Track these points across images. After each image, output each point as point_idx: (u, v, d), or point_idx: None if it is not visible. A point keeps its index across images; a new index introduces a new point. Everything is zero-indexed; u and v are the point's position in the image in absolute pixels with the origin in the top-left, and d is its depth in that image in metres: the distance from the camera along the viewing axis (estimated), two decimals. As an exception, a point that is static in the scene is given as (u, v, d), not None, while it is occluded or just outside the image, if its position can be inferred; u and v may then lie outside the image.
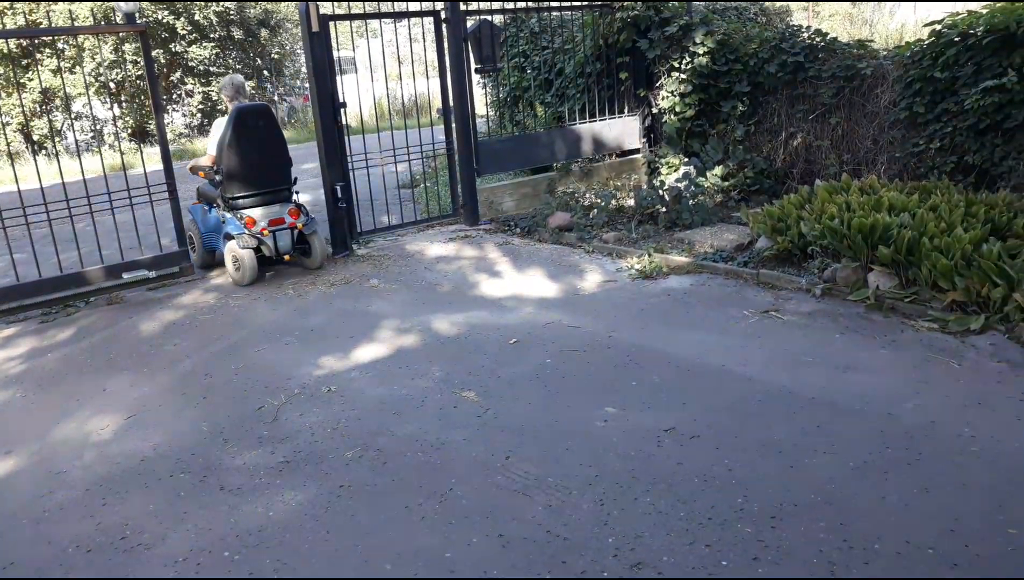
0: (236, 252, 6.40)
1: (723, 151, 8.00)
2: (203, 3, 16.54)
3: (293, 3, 18.81)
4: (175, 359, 5.02)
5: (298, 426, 3.97)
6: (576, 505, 3.11)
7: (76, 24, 13.66)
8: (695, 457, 3.41)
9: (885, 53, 7.19)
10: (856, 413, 3.71)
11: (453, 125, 7.79)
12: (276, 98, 19.84)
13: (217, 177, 6.51)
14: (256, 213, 6.47)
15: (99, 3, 15.22)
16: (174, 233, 6.71)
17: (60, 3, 15.27)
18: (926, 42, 6.58)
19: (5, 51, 13.93)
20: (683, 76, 8.15)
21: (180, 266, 6.64)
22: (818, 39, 7.51)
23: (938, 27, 6.46)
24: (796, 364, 4.31)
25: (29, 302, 6.04)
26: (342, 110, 7.07)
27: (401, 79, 8.10)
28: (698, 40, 8.00)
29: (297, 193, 6.90)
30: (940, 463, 3.25)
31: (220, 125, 6.65)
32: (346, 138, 7.14)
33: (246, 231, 6.40)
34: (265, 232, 6.45)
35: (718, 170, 7.84)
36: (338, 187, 7.04)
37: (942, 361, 4.21)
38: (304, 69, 19.75)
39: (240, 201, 6.49)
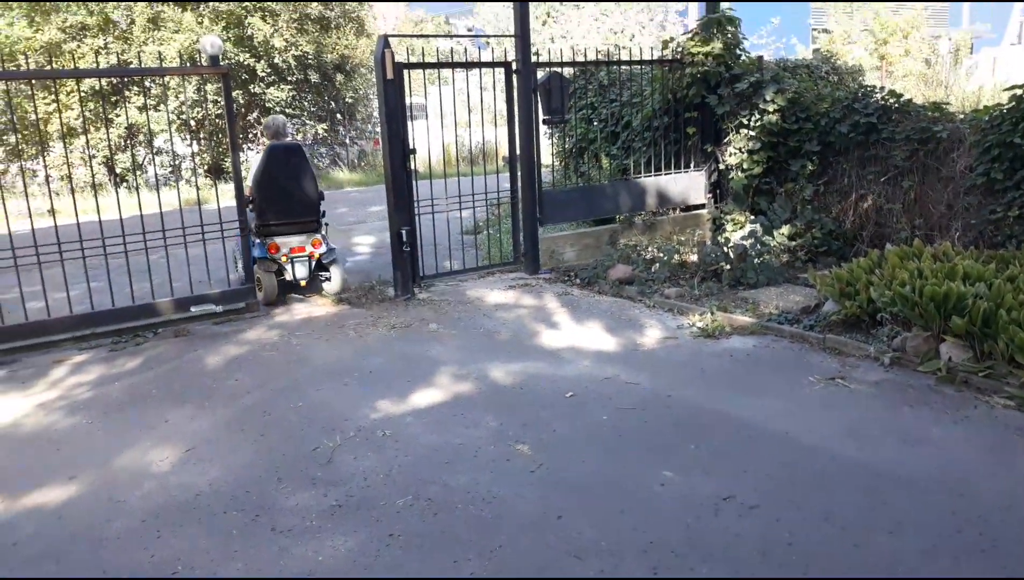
0: (259, 274, 7.03)
1: (791, 210, 7.89)
2: (283, 48, 17.12)
3: (369, 49, 19.41)
4: (236, 394, 5.10)
5: (352, 469, 3.97)
6: (629, 572, 3.03)
7: (164, 64, 14.29)
8: (754, 528, 3.30)
9: (962, 116, 7.04)
10: (926, 490, 3.56)
11: (519, 174, 7.86)
12: (348, 141, 20.35)
13: (249, 207, 7.02)
14: (280, 241, 7.11)
15: (186, 44, 15.91)
16: (243, 269, 6.87)
17: (150, 44, 16.03)
18: (1006, 107, 6.42)
19: (97, 88, 14.64)
20: (752, 133, 8.10)
21: (246, 302, 6.79)
22: (892, 100, 7.40)
23: (1019, 91, 6.30)
24: (862, 435, 4.16)
25: (102, 330, 6.22)
26: (411, 156, 7.20)
27: (470, 126, 8.23)
28: (768, 98, 7.95)
29: (326, 225, 7.56)
30: (1020, 550, 3.08)
31: (257, 161, 7.26)
32: (414, 183, 7.26)
33: (268, 256, 7.05)
34: (285, 259, 7.11)
35: (785, 229, 7.72)
36: (404, 231, 7.14)
37: (1020, 440, 4.02)
38: (375, 113, 20.28)
39: (269, 229, 7.08)
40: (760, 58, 8.63)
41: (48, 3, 16.35)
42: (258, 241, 7.08)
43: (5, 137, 15.96)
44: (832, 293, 5.87)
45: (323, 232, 7.42)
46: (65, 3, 16.44)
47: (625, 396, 4.77)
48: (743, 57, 8.54)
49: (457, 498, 3.63)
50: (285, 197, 7.08)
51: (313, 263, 7.27)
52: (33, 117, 15.21)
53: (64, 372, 5.62)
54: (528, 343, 5.89)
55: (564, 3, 23.40)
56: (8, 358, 5.87)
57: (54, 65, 14.21)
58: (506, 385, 5.05)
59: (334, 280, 7.34)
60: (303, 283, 7.23)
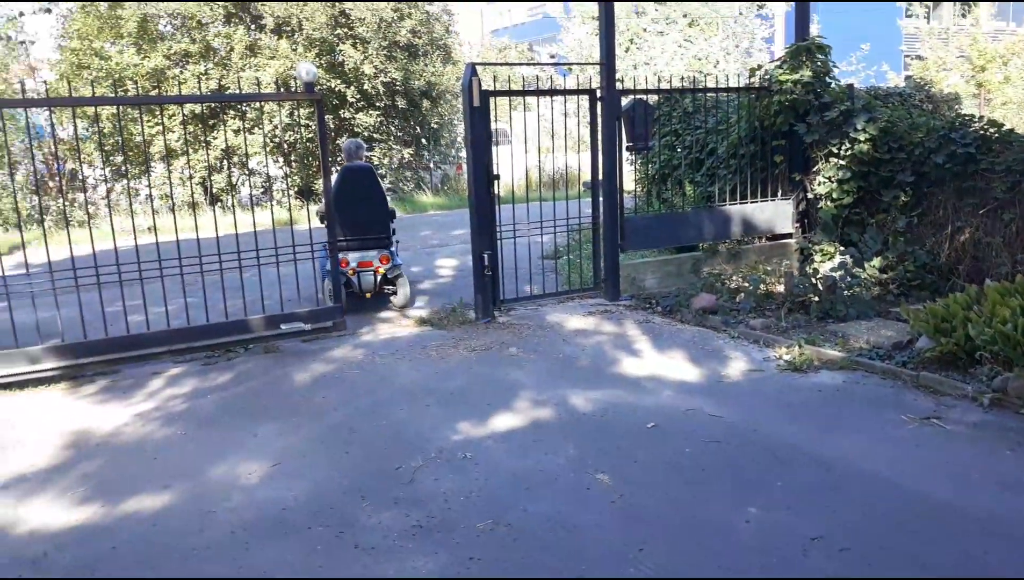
0: (328, 286, 7.36)
1: (882, 242, 7.66)
2: (372, 75, 17.60)
3: (455, 76, 19.78)
4: (322, 411, 5.23)
5: (433, 490, 4.02)
6: (712, 608, 2.97)
7: (261, 90, 14.89)
8: (845, 571, 3.20)
9: (1070, 148, 6.72)
10: (1030, 541, 3.38)
11: (600, 200, 7.87)
12: (432, 165, 20.71)
13: (324, 224, 7.30)
14: (350, 256, 7.56)
15: (280, 70, 16.53)
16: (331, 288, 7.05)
17: (247, 70, 16.72)
18: (1119, 139, 6.11)
19: (197, 112, 15.34)
20: (842, 162, 7.91)
21: (333, 321, 6.96)
22: (992, 130, 7.12)
23: None
24: (959, 478, 3.99)
25: (196, 344, 6.47)
26: (495, 182, 7.30)
27: (554, 152, 8.29)
28: (859, 126, 7.76)
29: (397, 242, 8.08)
30: None
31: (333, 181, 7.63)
32: (497, 209, 7.34)
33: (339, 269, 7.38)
34: (352, 272, 7.57)
35: (876, 261, 7.50)
36: (486, 255, 7.22)
37: None
38: (459, 139, 20.63)
39: (343, 244, 7.40)
40: (851, 86, 8.45)
41: (154, 33, 17.25)
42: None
43: (112, 157, 16.82)
44: (926, 329, 5.66)
45: (393, 249, 7.88)
46: (170, 32, 17.33)
47: (708, 429, 4.69)
48: (833, 85, 8.37)
49: (537, 525, 3.63)
50: (356, 215, 7.57)
51: (378, 277, 7.72)
52: (138, 139, 16.04)
53: (161, 384, 5.87)
54: (608, 371, 5.87)
55: (647, 31, 23.39)
56: (110, 369, 6.16)
57: (161, 91, 14.96)
58: (586, 412, 5.03)
59: (400, 294, 7.89)
60: (367, 295, 7.75)
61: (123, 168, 14.11)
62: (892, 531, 3.50)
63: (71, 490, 4.18)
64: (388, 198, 8.08)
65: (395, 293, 7.93)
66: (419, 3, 18.63)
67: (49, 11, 14.45)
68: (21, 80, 15.34)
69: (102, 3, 17.14)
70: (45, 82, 8.41)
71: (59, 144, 13.25)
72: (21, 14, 13.67)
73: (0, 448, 4.77)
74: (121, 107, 7.30)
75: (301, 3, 17.11)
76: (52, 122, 6.22)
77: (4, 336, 6.03)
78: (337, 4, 17.48)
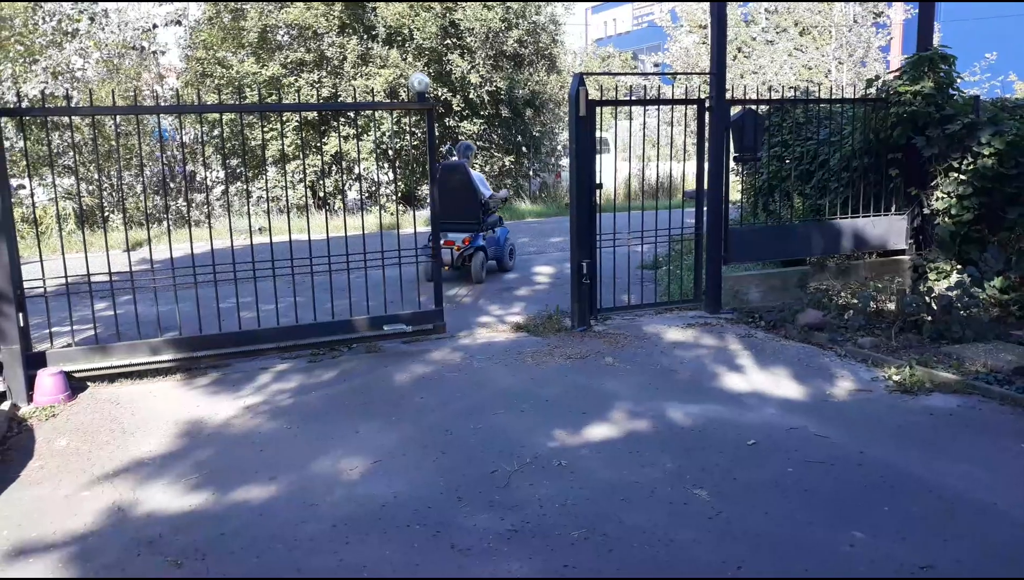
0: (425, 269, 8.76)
1: (1004, 261, 7.25)
2: (478, 84, 17.86)
3: (559, 85, 19.84)
4: (421, 411, 5.34)
5: (528, 496, 4.04)
6: (812, 634, 2.88)
7: (374, 99, 15.35)
8: (956, 605, 3.04)
9: None
10: None
11: (704, 210, 7.74)
12: (531, 173, 20.83)
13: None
14: (443, 235, 8.83)
15: (390, 78, 16.98)
16: (431, 292, 7.19)
17: (358, 79, 17.25)
18: None
19: (310, 119, 15.92)
20: (963, 177, 7.53)
21: (434, 324, 7.09)
22: None
23: None
24: (1088, 516, 3.73)
25: (303, 342, 6.71)
26: (597, 191, 7.29)
27: (658, 160, 8.20)
28: (984, 140, 7.38)
29: (493, 230, 9.91)
30: None
31: None
32: (598, 218, 7.33)
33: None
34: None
35: (997, 282, 7.10)
36: (584, 264, 7.22)
37: None
38: (559, 147, 20.67)
39: (441, 225, 8.35)
40: (976, 98, 8.04)
41: (273, 43, 18.02)
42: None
43: (229, 161, 17.66)
44: (1054, 355, 5.33)
45: (480, 233, 9.58)
46: (288, 42, 18.05)
47: (812, 449, 4.55)
48: (956, 97, 7.98)
49: (633, 536, 3.60)
50: (446, 203, 8.75)
51: (455, 254, 9.37)
52: (254, 143, 16.77)
53: (268, 378, 6.11)
54: (708, 385, 5.76)
55: (756, 40, 22.88)
56: (221, 362, 6.46)
57: (278, 98, 15.61)
58: (684, 426, 4.95)
59: (473, 271, 9.56)
60: (446, 267, 9.21)
61: (239, 171, 14.77)
62: (1008, 566, 3.31)
63: (185, 476, 4.40)
64: (497, 191, 9.68)
65: (469, 271, 9.60)
66: (526, 12, 18.76)
67: (180, 23, 15.32)
68: (151, 88, 16.31)
69: (227, 14, 18.03)
70: (175, 89, 8.92)
71: (182, 147, 14.00)
72: (154, 26, 14.53)
73: (122, 433, 5.07)
74: (241, 113, 7.65)
75: (412, 13, 17.51)
76: (181, 125, 6.58)
77: (128, 327, 6.41)
78: (448, 14, 17.83)
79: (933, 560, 3.35)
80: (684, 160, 10.78)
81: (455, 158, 10.00)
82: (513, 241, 11.11)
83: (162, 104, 14.99)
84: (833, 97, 8.31)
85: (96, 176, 14.19)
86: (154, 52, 15.21)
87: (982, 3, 24.72)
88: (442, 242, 8.55)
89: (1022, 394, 5.22)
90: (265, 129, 16.78)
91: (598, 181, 7.30)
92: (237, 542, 3.69)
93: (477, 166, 18.83)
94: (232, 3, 17.81)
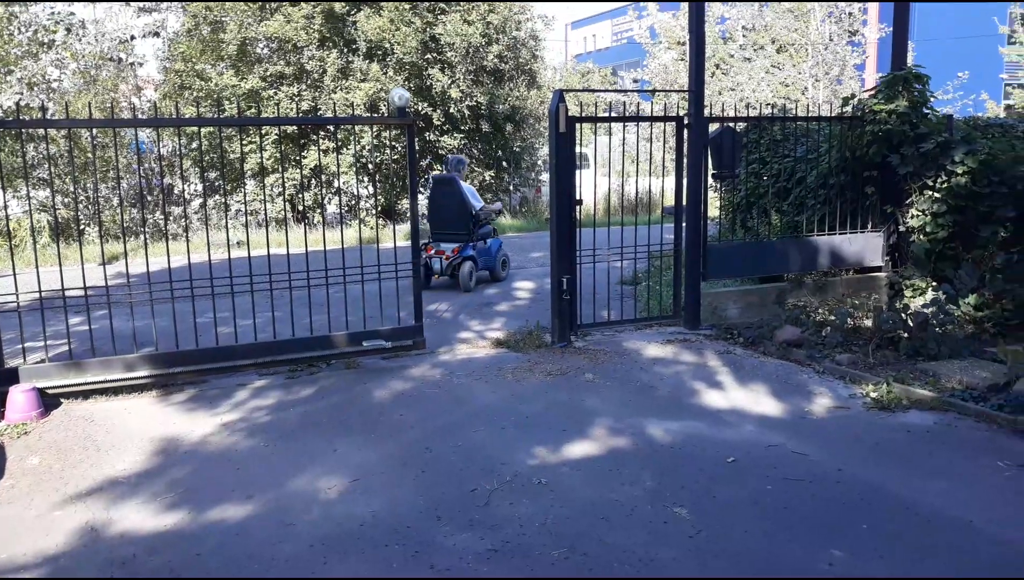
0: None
1: (978, 278, 7.34)
2: (459, 99, 17.90)
3: (539, 100, 19.92)
4: (400, 429, 5.30)
5: (508, 515, 4.02)
6: (793, 654, 2.87)
7: (354, 113, 15.33)
8: (934, 624, 3.06)
9: None
10: None
11: (683, 226, 7.79)
12: (511, 188, 20.87)
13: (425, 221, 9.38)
14: (433, 245, 10.09)
15: (371, 92, 16.97)
16: (411, 307, 7.15)
17: (338, 92, 17.22)
18: None
19: (289, 132, 15.85)
20: (937, 195, 7.63)
21: (413, 340, 7.06)
22: (1104, 165, 6.78)
23: None
24: (1062, 533, 3.77)
25: (281, 358, 6.65)
26: (577, 207, 7.31)
27: (637, 176, 8.26)
28: (957, 159, 7.49)
29: (484, 241, 10.36)
30: None
31: None
32: (578, 233, 7.35)
33: (423, 255, 9.72)
34: (428, 257, 10.04)
35: (972, 299, 7.19)
36: (564, 279, 7.23)
37: None
38: (539, 162, 20.73)
39: (433, 236, 10.02)
40: (949, 117, 8.16)
41: (252, 56, 17.96)
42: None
43: (208, 174, 17.55)
44: (1027, 372, 5.40)
45: (470, 244, 10.03)
46: (267, 54, 18.01)
47: (791, 466, 4.57)
48: (930, 115, 8.10)
49: (613, 556, 3.59)
50: (437, 214, 9.92)
51: (444, 263, 9.97)
52: (232, 157, 16.67)
53: (246, 395, 6.05)
54: (687, 401, 5.78)
55: (734, 57, 23.12)
56: (198, 379, 6.38)
57: (257, 111, 15.55)
58: (664, 443, 4.96)
59: (460, 280, 9.96)
60: (435, 277, 10.15)
61: (217, 184, 14.68)
62: (987, 585, 3.33)
63: (160, 495, 4.34)
64: (488, 202, 10.43)
65: (457, 276, 10.09)
66: (507, 28, 18.84)
67: (157, 34, 15.25)
68: (128, 100, 16.19)
69: (206, 26, 17.95)
70: (152, 102, 8.85)
71: (159, 160, 13.91)
72: (132, 37, 14.44)
73: (96, 450, 4.99)
74: (219, 127, 7.61)
75: (393, 27, 17.54)
76: (158, 139, 6.51)
77: (104, 343, 6.33)
78: (428, 29, 17.87)
79: (912, 577, 3.36)
80: (663, 176, 10.86)
81: (446, 172, 10.58)
82: (507, 252, 11.47)
83: (140, 116, 14.87)
84: (810, 115, 8.43)
85: (72, 188, 14.04)
86: (132, 64, 15.13)
87: (955, 21, 25.17)
88: (433, 252, 9.86)
89: (996, 411, 5.28)
90: (244, 142, 16.70)
91: (578, 197, 7.33)
92: (213, 562, 3.64)
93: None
94: (211, 15, 17.74)
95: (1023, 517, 3.93)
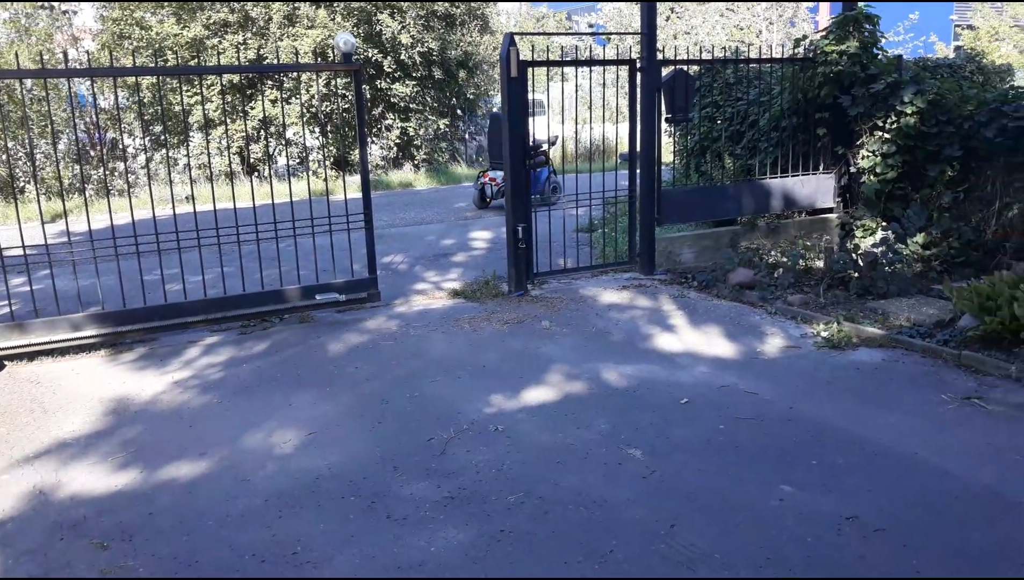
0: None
1: (926, 217, 7.47)
2: (409, 45, 17.52)
3: (492, 46, 19.60)
4: (356, 381, 5.27)
5: (464, 462, 4.03)
6: (743, 587, 2.94)
7: (299, 60, 14.91)
8: (879, 552, 3.15)
9: None
10: (1074, 528, 3.30)
11: (637, 172, 7.76)
12: (467, 136, 20.62)
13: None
14: (490, 173, 12.34)
15: (319, 39, 16.52)
16: (365, 259, 7.06)
17: (284, 40, 16.73)
18: None
19: (235, 82, 15.39)
20: (887, 136, 7.70)
21: (368, 292, 6.98)
22: (1047, 103, 6.88)
23: None
24: (1001, 461, 3.90)
25: (232, 314, 6.54)
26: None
27: (591, 123, 8.19)
28: (907, 99, 7.54)
29: (534, 169, 10.51)
30: None
31: None
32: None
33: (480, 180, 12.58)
34: (483, 183, 12.44)
35: (919, 238, 7.31)
36: (520, 228, 7.18)
37: None
38: (495, 109, 20.49)
39: (491, 165, 12.19)
40: (899, 57, 8.20)
41: (194, 3, 17.32)
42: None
43: (152, 127, 17.02)
44: (970, 307, 5.52)
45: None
46: (210, 2, 17.37)
47: (743, 406, 4.64)
48: (880, 56, 8.13)
49: (568, 499, 3.62)
50: (495, 146, 11.60)
51: (494, 188, 12.09)
52: (177, 109, 16.16)
53: (197, 352, 5.95)
54: (642, 345, 5.82)
55: (689, 0, 22.95)
56: (148, 337, 6.26)
57: (200, 60, 15.04)
58: (619, 387, 5.00)
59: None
60: (489, 201, 12.41)
61: (162, 138, 14.24)
62: (929, 514, 3.44)
63: (111, 456, 4.26)
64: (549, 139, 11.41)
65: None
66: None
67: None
68: (64, 50, 15.56)
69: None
70: (88, 52, 8.49)
71: (100, 113, 13.40)
72: (64, -18, 13.83)
73: (43, 413, 4.88)
74: (161, 77, 7.33)
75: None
76: (94, 92, 6.25)
77: (47, 303, 6.15)
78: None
79: (858, 511, 3.45)
80: (618, 122, 10.81)
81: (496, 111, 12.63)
82: (558, 181, 12.25)
83: (75, 66, 14.31)
84: (762, 57, 8.39)
85: (7, 144, 13.52)
86: (65, 12, 14.47)
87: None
88: (488, 178, 12.21)
89: (942, 346, 5.40)
90: (188, 93, 16.19)
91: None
92: (166, 521, 3.60)
93: (411, 131, 18.59)
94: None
95: (964, 448, 4.05)
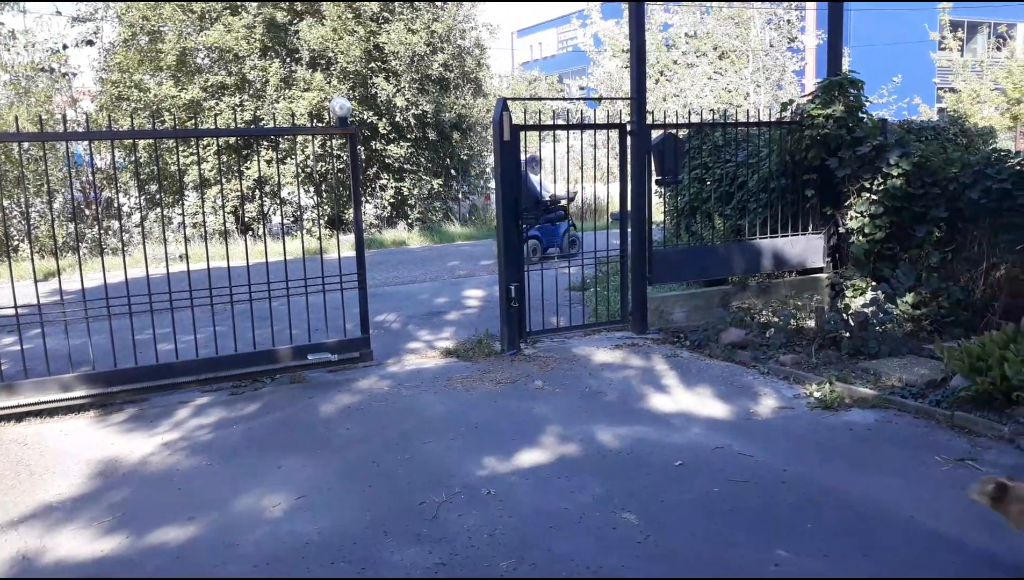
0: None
1: (915, 277, 7.53)
2: (404, 107, 17.81)
3: (486, 108, 19.94)
4: (347, 443, 5.22)
5: (456, 527, 3.98)
6: (740, 657, 2.89)
7: (295, 121, 15.14)
8: (877, 620, 3.10)
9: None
10: (1072, 593, 3.26)
11: (628, 232, 7.84)
12: (460, 196, 20.83)
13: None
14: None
15: (314, 101, 16.79)
16: (358, 318, 7.05)
17: (281, 102, 17.00)
18: None
19: (231, 143, 15.58)
20: (874, 197, 7.82)
21: (360, 352, 6.97)
22: (1029, 165, 7.01)
23: None
24: (997, 525, 3.85)
25: (224, 374, 6.51)
26: (523, 215, 7.31)
27: (582, 183, 8.31)
28: (892, 161, 7.68)
29: (552, 223, 12.62)
30: None
31: None
32: (525, 240, 7.34)
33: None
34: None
35: (909, 298, 7.37)
36: (513, 287, 7.22)
37: None
38: (487, 170, 20.75)
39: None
40: (884, 121, 8.37)
41: (192, 66, 17.63)
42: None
43: (147, 186, 17.14)
44: (961, 367, 5.54)
45: (537, 225, 12.37)
46: (208, 64, 17.70)
47: (737, 468, 4.61)
48: (865, 120, 8.30)
49: (561, 565, 3.57)
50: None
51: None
52: (173, 169, 16.32)
53: (188, 414, 5.90)
54: (635, 406, 5.80)
55: (677, 64, 23.46)
56: (138, 397, 6.21)
57: (197, 121, 15.24)
58: (612, 449, 4.97)
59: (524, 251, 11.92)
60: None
61: (158, 197, 14.35)
62: (926, 576, 3.39)
63: (97, 520, 4.20)
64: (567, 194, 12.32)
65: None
66: (452, 36, 18.84)
67: (92, 43, 14.82)
68: (63, 112, 15.77)
69: (143, 36, 17.56)
70: (86, 114, 8.63)
71: (96, 173, 13.52)
72: (65, 47, 14.05)
73: (29, 475, 4.81)
74: (156, 139, 7.43)
75: (336, 36, 17.39)
76: (91, 153, 6.33)
77: (37, 363, 6.12)
78: (372, 38, 17.75)
79: (854, 574, 3.41)
80: (609, 182, 10.96)
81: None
82: (577, 234, 12.61)
83: (75, 128, 14.49)
84: (750, 120, 8.56)
85: (2, 203, 13.60)
86: (66, 75, 14.71)
87: (889, 27, 25.93)
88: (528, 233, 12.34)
89: (934, 407, 5.41)
90: (184, 153, 16.37)
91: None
92: (152, 589, 3.53)
93: (405, 190, 18.79)
94: (149, 24, 17.35)
95: (959, 511, 4.01)
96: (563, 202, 12.73)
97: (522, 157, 7.36)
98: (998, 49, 28.31)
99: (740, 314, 7.86)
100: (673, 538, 3.80)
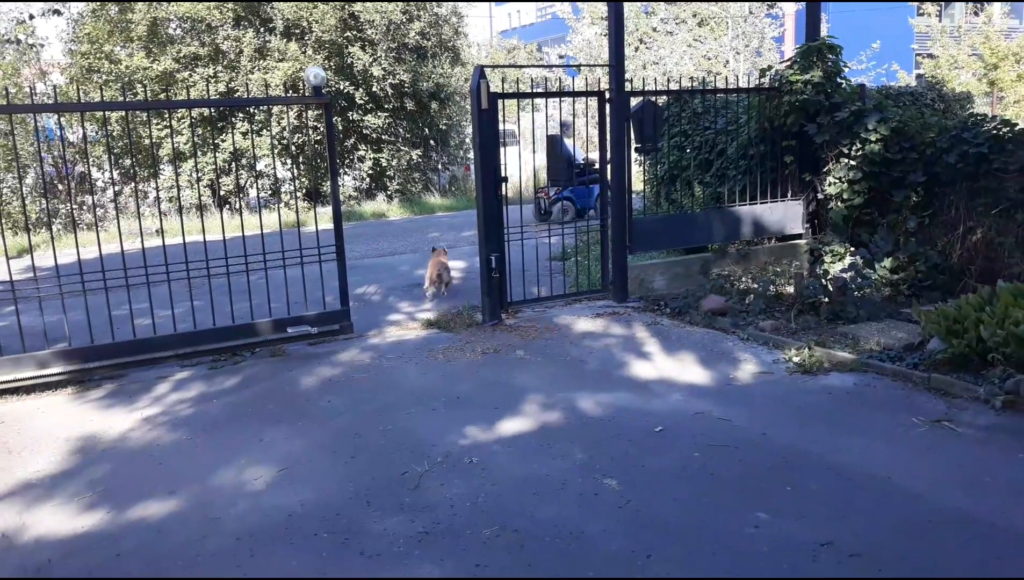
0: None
1: (893, 242, 7.59)
2: (381, 77, 17.59)
3: (464, 77, 19.74)
4: (329, 416, 5.21)
5: (439, 496, 3.99)
6: (720, 617, 2.93)
7: (269, 93, 14.92)
8: (855, 577, 3.15)
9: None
10: (1045, 549, 3.32)
11: (608, 201, 7.82)
12: (440, 167, 20.67)
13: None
14: (547, 190, 12.89)
15: (290, 72, 16.54)
16: (338, 291, 7.02)
17: (255, 72, 16.73)
18: None
19: (206, 115, 15.34)
20: (852, 163, 7.84)
21: (340, 324, 6.94)
22: (1005, 129, 7.05)
23: None
24: (972, 483, 3.93)
25: (203, 348, 6.46)
26: (503, 184, 7.27)
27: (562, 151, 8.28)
28: (871, 127, 7.69)
29: (586, 185, 12.55)
30: None
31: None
32: (505, 211, 7.31)
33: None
34: (539, 197, 13.04)
35: (887, 262, 7.43)
36: (493, 258, 7.19)
37: None
38: (467, 140, 20.59)
39: (549, 182, 11.20)
40: (862, 86, 8.38)
41: (164, 36, 17.28)
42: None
43: (121, 161, 16.87)
44: (938, 330, 5.60)
45: (570, 187, 12.47)
46: (180, 35, 17.36)
47: (717, 433, 4.65)
48: (844, 85, 8.30)
49: (544, 531, 3.60)
50: (552, 164, 10.48)
51: (544, 202, 13.05)
52: (146, 142, 16.06)
53: (167, 388, 5.86)
54: (616, 374, 5.82)
55: (657, 31, 23.30)
56: (117, 373, 6.16)
57: (170, 94, 14.97)
58: (594, 416, 4.99)
59: (554, 212, 12.71)
60: (544, 213, 12.97)
61: (131, 171, 14.13)
62: (903, 537, 3.45)
63: (77, 496, 4.17)
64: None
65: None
66: (428, 4, 18.59)
67: (59, 13, 14.44)
68: (31, 84, 15.44)
69: (113, 6, 17.17)
70: (55, 86, 8.44)
71: (68, 147, 13.27)
72: (31, 17, 13.69)
73: (7, 453, 4.77)
74: (130, 111, 7.29)
75: (311, 5, 17.10)
76: (61, 126, 6.19)
77: (12, 340, 6.04)
78: (347, 6, 17.47)
79: (833, 536, 3.46)
80: (588, 151, 10.92)
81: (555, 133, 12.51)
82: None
83: (44, 101, 14.18)
84: (729, 87, 8.54)
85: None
86: (32, 45, 14.36)
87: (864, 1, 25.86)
88: (543, 193, 13.11)
89: (912, 370, 5.46)
90: (158, 126, 16.10)
91: (504, 174, 7.28)
92: (134, 562, 3.52)
93: (383, 161, 18.61)
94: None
95: (936, 471, 4.08)
96: (596, 165, 12.83)
97: (501, 127, 7.29)
98: (975, 15, 28.33)
99: (720, 281, 7.89)
100: (654, 503, 3.83)
